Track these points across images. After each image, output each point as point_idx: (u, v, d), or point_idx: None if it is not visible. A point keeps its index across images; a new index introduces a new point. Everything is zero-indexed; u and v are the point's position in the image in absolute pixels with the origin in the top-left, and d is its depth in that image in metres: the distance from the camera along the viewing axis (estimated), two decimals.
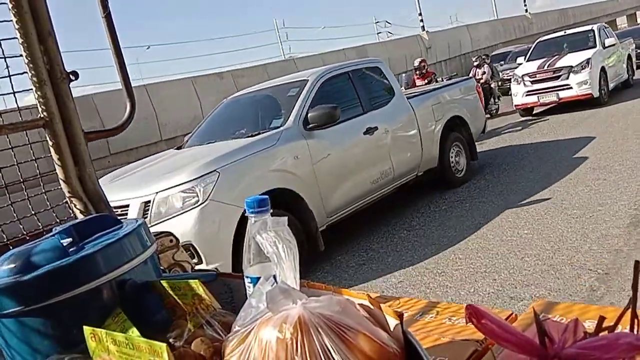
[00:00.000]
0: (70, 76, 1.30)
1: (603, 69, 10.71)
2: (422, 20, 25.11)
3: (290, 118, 4.70)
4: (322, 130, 4.70)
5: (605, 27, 12.51)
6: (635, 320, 0.65)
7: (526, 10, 30.61)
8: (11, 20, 1.23)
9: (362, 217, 5.47)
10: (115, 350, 0.72)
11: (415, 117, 5.88)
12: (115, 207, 3.65)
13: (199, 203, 3.78)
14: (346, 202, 4.91)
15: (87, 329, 0.76)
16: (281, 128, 4.61)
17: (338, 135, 4.87)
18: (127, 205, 3.87)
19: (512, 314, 1.00)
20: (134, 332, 0.76)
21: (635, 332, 0.64)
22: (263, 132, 4.63)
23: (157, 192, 3.85)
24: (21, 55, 1.25)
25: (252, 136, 4.58)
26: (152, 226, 3.59)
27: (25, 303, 0.79)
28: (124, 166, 5.53)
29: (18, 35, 1.24)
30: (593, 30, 11.67)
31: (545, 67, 10.64)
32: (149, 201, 3.83)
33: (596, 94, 10.22)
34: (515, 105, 11.14)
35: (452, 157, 6.39)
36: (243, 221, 3.66)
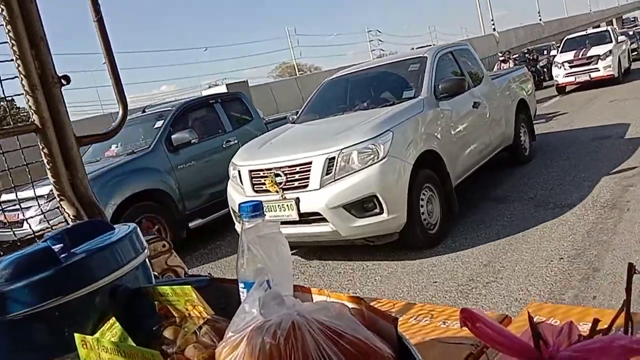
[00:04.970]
0: (62, 80, 1.29)
1: (618, 58, 14.69)
2: (493, 23, 38.80)
3: (424, 88, 5.04)
4: (446, 100, 5.04)
5: (615, 29, 17.50)
6: (630, 323, 0.65)
7: (540, 19, 45.78)
8: (2, 25, 1.22)
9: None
10: (108, 357, 0.71)
11: (499, 96, 6.36)
12: (295, 165, 4.26)
13: (380, 158, 4.14)
14: (467, 168, 5.24)
15: (78, 337, 0.75)
16: (420, 97, 4.95)
17: (457, 106, 5.22)
18: (310, 162, 4.22)
19: (506, 316, 1.00)
20: (126, 339, 0.75)
21: (629, 334, 0.64)
22: (399, 102, 4.96)
23: (341, 149, 4.17)
24: (12, 60, 1.24)
25: (391, 105, 4.93)
26: (337, 180, 4.10)
27: (15, 310, 0.78)
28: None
29: (9, 40, 1.22)
30: (608, 31, 15.92)
31: (580, 56, 14.45)
32: (333, 157, 4.17)
33: (616, 75, 14.30)
34: (556, 84, 14.89)
35: (521, 136, 6.78)
36: (412, 175, 4.23)
